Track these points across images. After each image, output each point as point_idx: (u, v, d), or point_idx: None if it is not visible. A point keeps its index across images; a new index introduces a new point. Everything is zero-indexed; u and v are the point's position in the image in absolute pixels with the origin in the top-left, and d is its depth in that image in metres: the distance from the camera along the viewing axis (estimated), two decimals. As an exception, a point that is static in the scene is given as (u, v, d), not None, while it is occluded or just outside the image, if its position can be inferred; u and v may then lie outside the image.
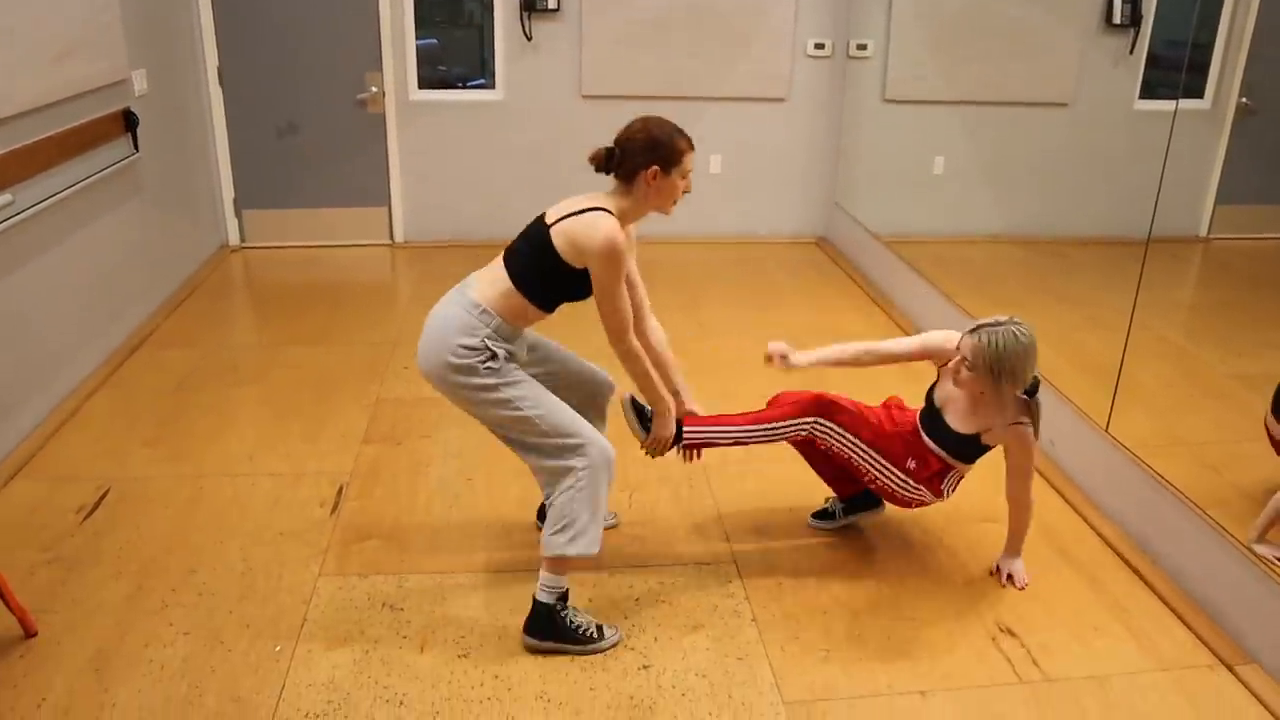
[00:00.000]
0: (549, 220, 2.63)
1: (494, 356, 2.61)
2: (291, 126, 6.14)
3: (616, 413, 3.05)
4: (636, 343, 2.70)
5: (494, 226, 6.42)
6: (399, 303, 5.46)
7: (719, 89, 6.36)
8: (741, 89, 6.38)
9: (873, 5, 5.96)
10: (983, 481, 3.49)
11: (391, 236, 6.49)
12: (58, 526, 3.29)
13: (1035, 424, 2.87)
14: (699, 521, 3.39)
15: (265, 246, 6.36)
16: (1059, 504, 3.54)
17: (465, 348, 2.59)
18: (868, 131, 6.13)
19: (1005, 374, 2.73)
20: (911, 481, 2.98)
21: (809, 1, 6.26)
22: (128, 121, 4.80)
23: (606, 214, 2.58)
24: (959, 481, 3.04)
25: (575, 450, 2.64)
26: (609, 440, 2.72)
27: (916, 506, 3.08)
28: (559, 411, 2.66)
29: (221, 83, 6.00)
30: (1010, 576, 3.08)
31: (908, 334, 5.09)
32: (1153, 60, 3.70)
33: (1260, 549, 2.80)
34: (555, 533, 2.64)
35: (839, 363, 3.08)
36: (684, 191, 2.71)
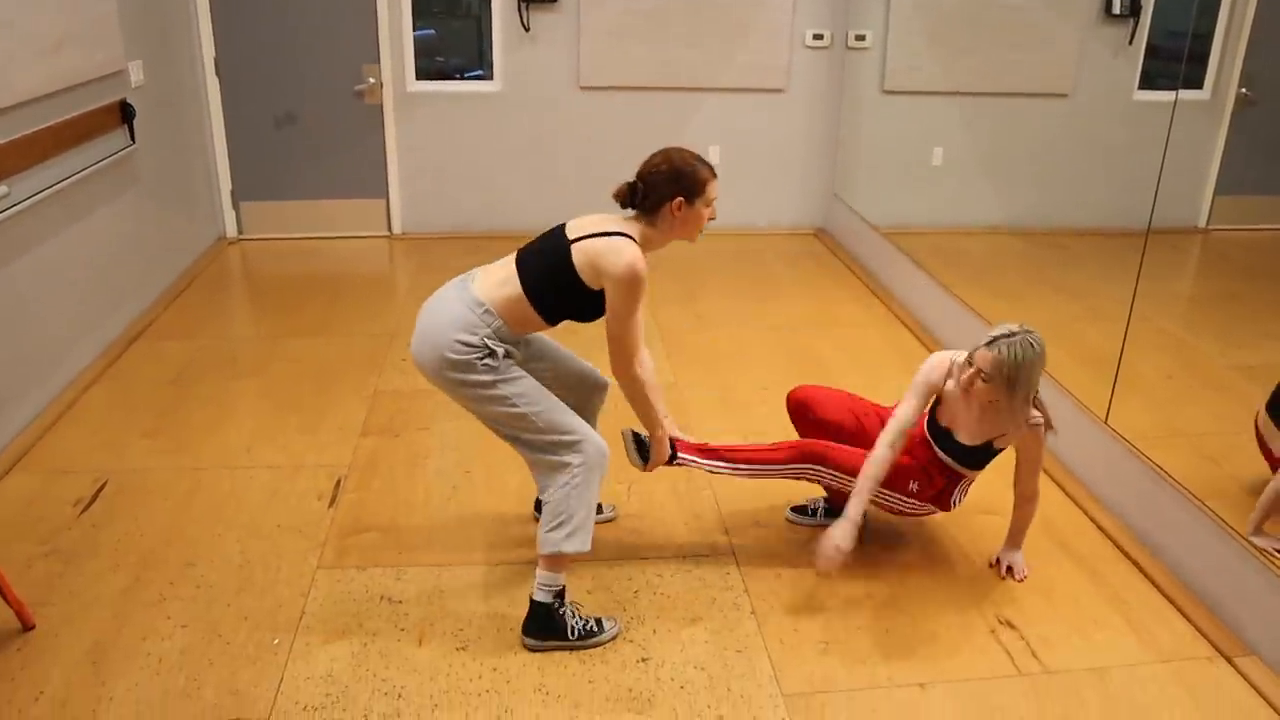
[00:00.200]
0: (570, 235, 2.59)
1: (492, 354, 2.59)
2: (289, 118, 6.12)
3: (610, 410, 3.05)
4: (639, 372, 2.68)
5: (492, 218, 6.41)
6: (397, 294, 5.45)
7: (717, 80, 6.34)
8: (740, 80, 6.36)
9: (872, -4, 5.94)
10: (981, 477, 3.48)
11: (389, 228, 6.48)
12: (55, 519, 3.28)
13: (1048, 420, 2.87)
14: (698, 514, 3.39)
15: (263, 238, 6.35)
16: (1059, 496, 3.54)
17: (463, 344, 2.57)
18: (866, 122, 6.12)
19: (1021, 383, 2.72)
20: (915, 502, 3.00)
21: (808, -8, 6.26)
22: (124, 113, 4.78)
23: (630, 241, 2.56)
24: (969, 488, 3.05)
25: (571, 447, 2.62)
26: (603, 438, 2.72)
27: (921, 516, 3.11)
28: (556, 409, 2.64)
29: (218, 74, 5.98)
30: (1010, 569, 3.08)
31: (905, 323, 5.09)
32: (1152, 50, 3.69)
33: (1259, 541, 2.80)
34: (551, 530, 2.63)
35: (881, 475, 2.92)
36: (709, 219, 2.69)
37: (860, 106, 6.20)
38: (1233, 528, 2.88)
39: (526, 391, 2.63)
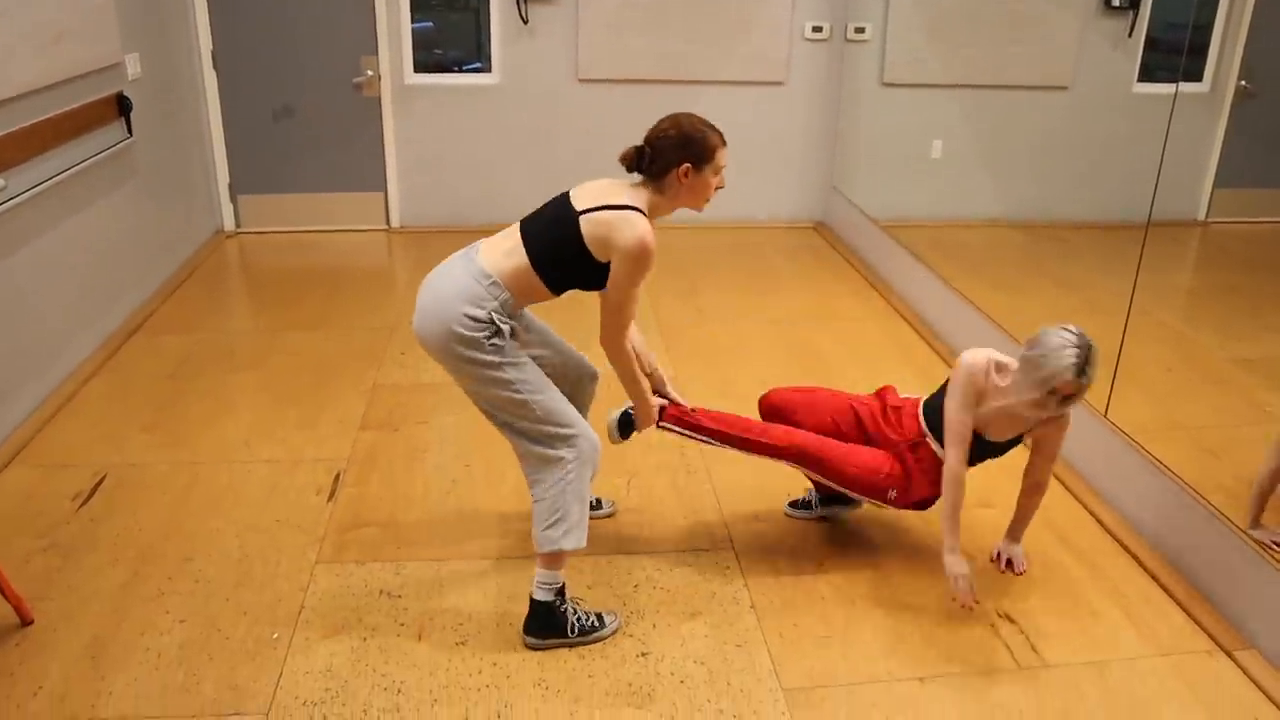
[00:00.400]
0: (578, 206, 2.55)
1: (499, 333, 2.54)
2: (287, 110, 6.11)
3: (600, 404, 3.04)
4: (628, 345, 2.66)
5: (491, 210, 6.40)
6: (396, 288, 5.44)
7: (716, 73, 6.33)
8: (739, 73, 6.35)
9: (871, -12, 5.93)
10: (979, 470, 3.48)
11: (388, 221, 6.46)
12: (53, 513, 3.28)
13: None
14: (697, 508, 3.39)
15: (261, 231, 6.34)
16: (1058, 490, 3.54)
17: (471, 319, 2.50)
18: (866, 115, 6.11)
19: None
20: (892, 507, 3.01)
21: (807, -16, 6.24)
22: (121, 106, 4.77)
23: (641, 215, 2.52)
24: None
25: (566, 440, 2.60)
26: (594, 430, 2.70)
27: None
28: (556, 399, 2.61)
29: (216, 67, 5.96)
30: (1010, 562, 3.08)
31: (904, 316, 5.08)
32: (1151, 43, 3.68)
33: (1257, 534, 2.80)
34: (548, 527, 2.60)
35: (962, 498, 2.88)
36: (717, 188, 2.64)
37: (860, 99, 6.19)
38: (1232, 521, 2.88)
39: (530, 379, 2.59)
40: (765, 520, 3.32)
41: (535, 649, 2.70)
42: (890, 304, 5.32)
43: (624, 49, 6.18)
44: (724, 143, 2.60)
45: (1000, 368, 2.82)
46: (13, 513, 3.28)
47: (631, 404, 2.95)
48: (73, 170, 4.23)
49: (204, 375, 4.32)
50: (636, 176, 2.64)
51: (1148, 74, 3.68)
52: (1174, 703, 2.56)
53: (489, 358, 2.53)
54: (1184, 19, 3.38)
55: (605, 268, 2.55)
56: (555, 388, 2.65)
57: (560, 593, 2.69)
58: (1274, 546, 2.74)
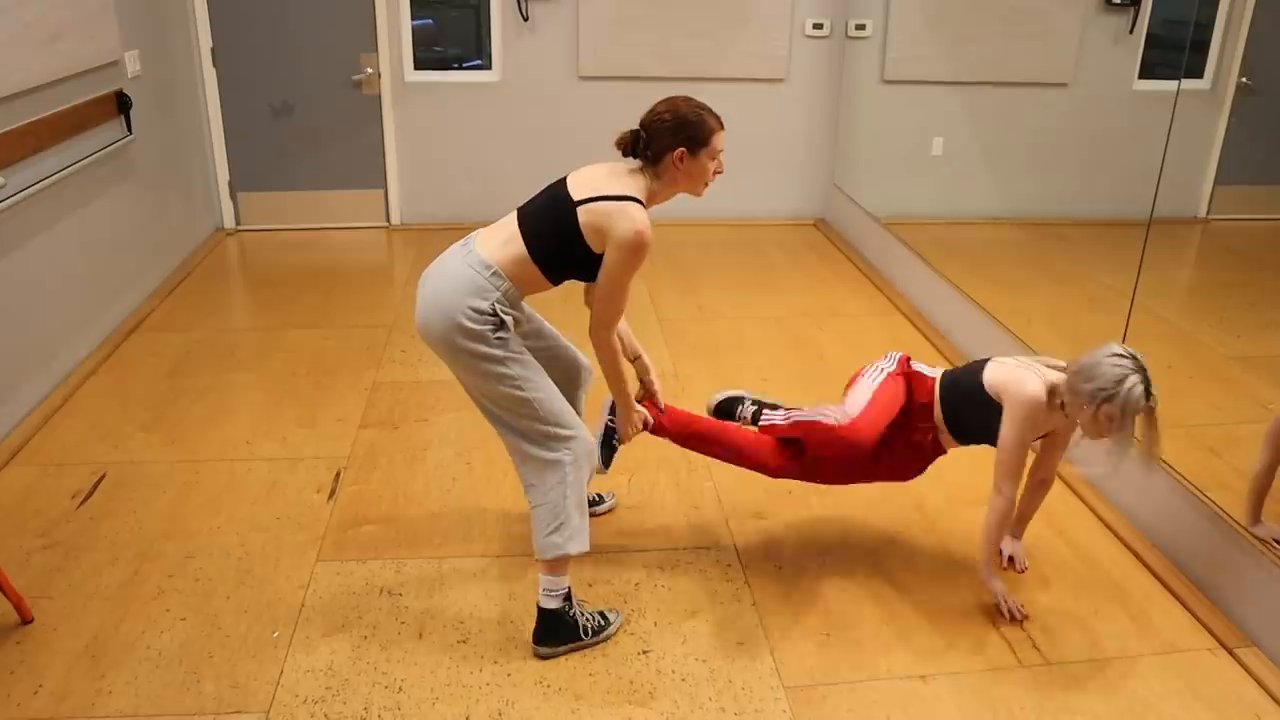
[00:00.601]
0: (575, 196, 2.50)
1: (503, 325, 2.50)
2: (287, 108, 6.10)
3: (593, 400, 3.03)
4: (615, 340, 2.61)
5: (492, 208, 6.39)
6: (396, 286, 5.44)
7: (717, 70, 6.32)
8: (739, 70, 6.34)
9: (871, -15, 5.92)
10: (980, 466, 3.48)
11: (388, 219, 6.46)
12: (53, 512, 3.28)
13: None
14: (698, 504, 3.38)
15: (261, 229, 6.33)
16: (1058, 487, 3.54)
17: (476, 311, 2.46)
18: (866, 113, 6.10)
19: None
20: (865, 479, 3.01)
21: (807, -19, 6.23)
22: (121, 103, 4.76)
23: (638, 205, 2.48)
24: None
25: (564, 442, 2.55)
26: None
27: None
28: (556, 399, 2.57)
29: (215, 64, 5.96)
30: (1011, 559, 3.08)
31: (905, 314, 5.08)
32: (1152, 40, 3.68)
33: (1258, 530, 2.80)
34: (551, 533, 2.56)
35: (1000, 540, 2.87)
36: (715, 173, 2.59)
37: (860, 96, 6.19)
38: (1233, 518, 2.88)
39: (533, 376, 2.54)
40: (767, 517, 3.32)
41: (546, 658, 2.65)
42: (891, 301, 5.31)
43: (625, 46, 6.18)
44: (721, 126, 2.54)
45: (1051, 390, 2.68)
46: (13, 511, 3.28)
47: (608, 428, 2.92)
48: (72, 168, 4.22)
49: (204, 373, 4.31)
50: (634, 161, 2.60)
51: (1148, 71, 3.68)
52: (1175, 700, 2.56)
53: (494, 351, 2.49)
54: (1184, 15, 3.38)
55: (601, 258, 2.52)
56: (554, 386, 2.61)
57: (567, 598, 2.66)
58: (1275, 544, 2.74)
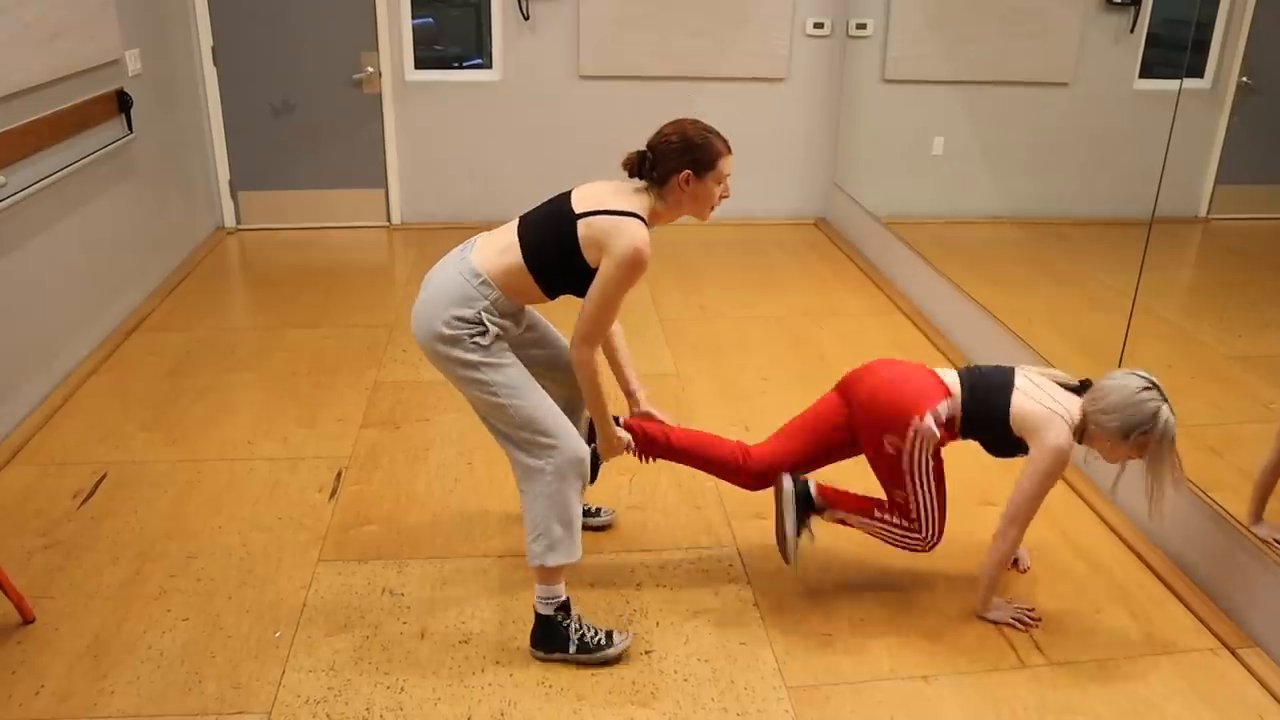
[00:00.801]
0: (577, 209, 2.49)
1: (484, 332, 2.48)
2: (287, 107, 6.10)
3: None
4: (596, 359, 2.56)
5: (492, 208, 6.39)
6: (396, 285, 5.44)
7: (717, 69, 6.32)
8: (740, 69, 6.34)
9: (872, -16, 5.92)
10: (983, 467, 3.48)
11: (389, 218, 6.45)
12: (54, 512, 3.27)
13: None
14: (700, 505, 3.38)
15: (261, 228, 6.33)
16: (1061, 487, 3.54)
17: (458, 319, 2.46)
18: (867, 112, 6.10)
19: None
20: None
21: (808, -20, 6.23)
22: (121, 102, 4.76)
23: (639, 221, 2.46)
24: None
25: (546, 450, 2.51)
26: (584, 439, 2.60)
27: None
28: (537, 405, 2.52)
29: (216, 63, 5.95)
30: (1015, 560, 3.08)
31: (905, 313, 5.08)
32: (1153, 39, 3.67)
33: (1259, 530, 2.80)
34: (532, 542, 2.55)
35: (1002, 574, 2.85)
36: (721, 197, 2.57)
37: (861, 96, 6.18)
38: (1235, 518, 2.88)
39: (509, 381, 2.51)
40: (768, 517, 3.32)
41: (539, 660, 2.66)
42: (891, 300, 5.31)
43: (625, 46, 6.17)
44: (728, 150, 2.53)
45: (1077, 429, 2.66)
46: (13, 511, 3.27)
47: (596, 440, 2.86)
48: (73, 167, 4.22)
49: (204, 373, 4.31)
50: (640, 181, 2.58)
51: (1149, 70, 3.67)
52: (1178, 700, 2.56)
53: (468, 356, 2.48)
54: (1185, 14, 3.37)
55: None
56: (539, 391, 2.55)
57: (562, 608, 2.63)
58: (1276, 543, 2.74)
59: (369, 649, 2.68)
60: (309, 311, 5.02)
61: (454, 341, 2.48)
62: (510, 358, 2.55)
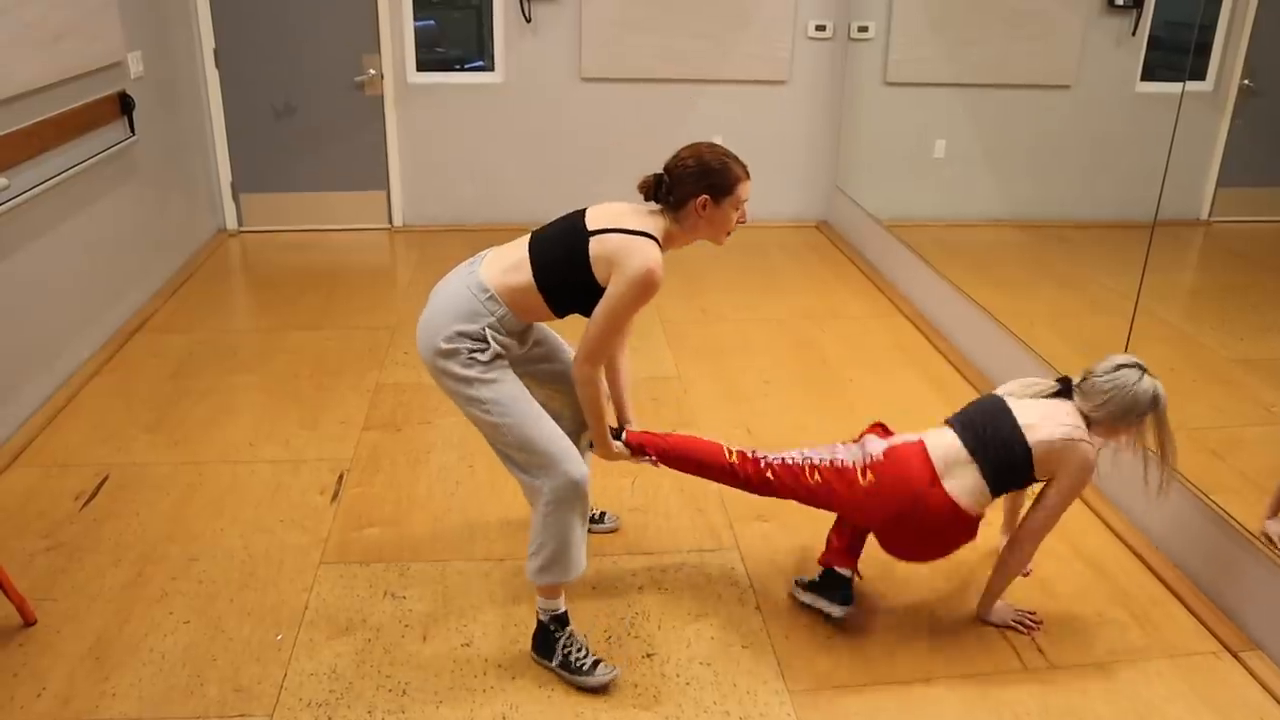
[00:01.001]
0: (590, 227, 2.45)
1: (485, 349, 2.45)
2: (289, 109, 6.10)
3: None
4: (600, 377, 2.54)
5: (493, 210, 6.39)
6: (398, 287, 5.44)
7: (719, 71, 6.32)
8: (742, 71, 6.34)
9: (874, -14, 5.92)
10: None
11: (390, 220, 6.46)
12: (56, 513, 3.27)
13: None
14: (702, 507, 3.38)
15: (263, 230, 6.33)
16: (1062, 490, 3.53)
17: (460, 334, 2.44)
18: (869, 114, 6.10)
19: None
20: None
21: (810, -17, 6.23)
22: (124, 104, 4.76)
23: (654, 242, 2.43)
24: None
25: (542, 469, 2.46)
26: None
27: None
28: (532, 425, 2.46)
29: (218, 65, 5.96)
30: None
31: (907, 316, 5.08)
32: (1154, 42, 3.68)
33: (1271, 525, 2.79)
34: (529, 557, 2.54)
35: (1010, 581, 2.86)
36: (738, 221, 2.55)
37: (862, 98, 6.18)
38: (1238, 521, 2.87)
39: (503, 399, 2.46)
40: (770, 520, 3.32)
41: (535, 662, 2.66)
42: (893, 303, 5.31)
43: (627, 48, 6.18)
44: (746, 175, 2.51)
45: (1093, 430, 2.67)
46: (15, 512, 3.27)
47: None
48: (75, 169, 4.22)
49: (206, 374, 4.31)
50: (656, 204, 2.55)
51: (1151, 73, 3.68)
52: (1180, 704, 2.56)
53: (463, 371, 2.45)
54: (1187, 17, 3.38)
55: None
56: (537, 409, 2.50)
57: (557, 620, 2.62)
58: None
59: (371, 652, 2.68)
60: (311, 313, 5.02)
61: (451, 355, 2.45)
62: (508, 376, 2.52)
